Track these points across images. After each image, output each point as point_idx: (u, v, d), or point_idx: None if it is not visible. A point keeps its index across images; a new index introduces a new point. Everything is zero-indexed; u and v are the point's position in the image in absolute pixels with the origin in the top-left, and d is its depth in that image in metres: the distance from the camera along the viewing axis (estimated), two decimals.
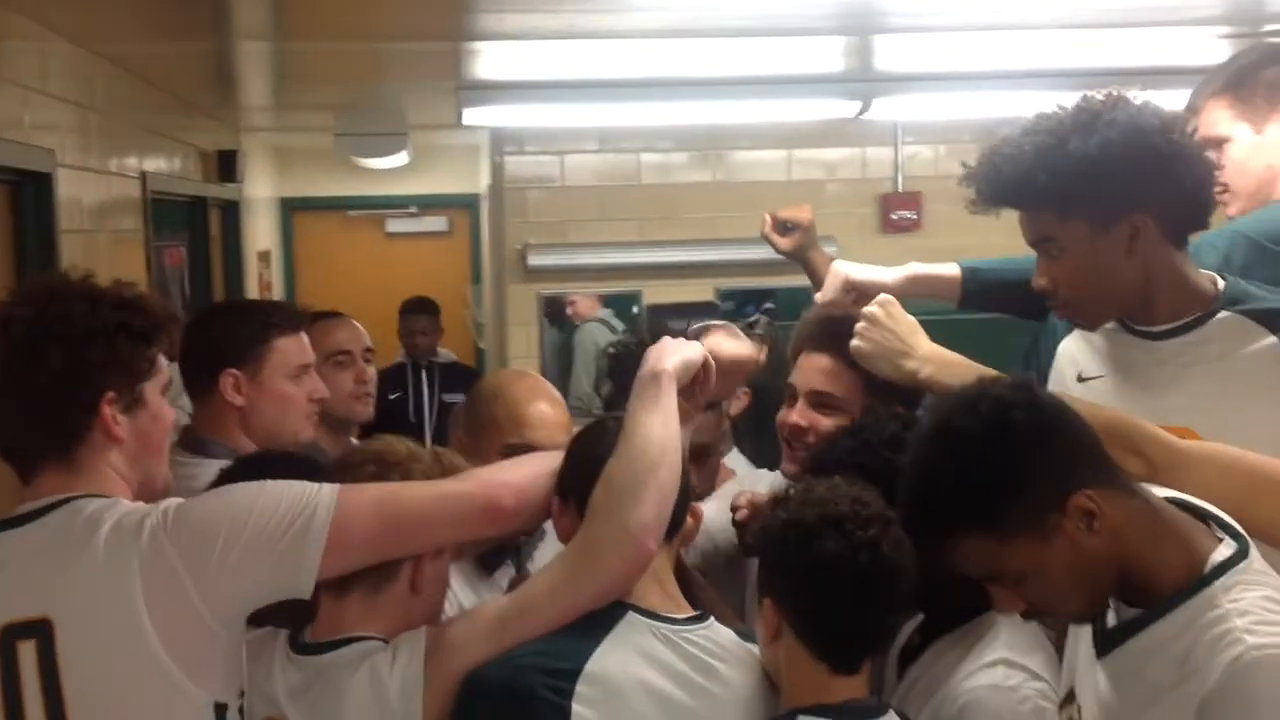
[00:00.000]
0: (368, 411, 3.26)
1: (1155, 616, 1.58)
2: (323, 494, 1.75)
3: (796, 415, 2.32)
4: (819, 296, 2.46)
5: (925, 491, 1.67)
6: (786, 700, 1.78)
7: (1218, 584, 1.55)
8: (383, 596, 1.87)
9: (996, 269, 2.43)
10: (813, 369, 2.33)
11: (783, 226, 2.92)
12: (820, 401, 2.31)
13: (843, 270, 2.43)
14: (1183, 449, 1.73)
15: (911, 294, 2.36)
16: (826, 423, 2.26)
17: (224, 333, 2.72)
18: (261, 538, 1.71)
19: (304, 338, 2.79)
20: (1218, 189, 1.99)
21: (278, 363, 2.70)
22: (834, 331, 2.31)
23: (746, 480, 2.77)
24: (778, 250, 2.93)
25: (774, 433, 2.87)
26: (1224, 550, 1.59)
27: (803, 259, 2.90)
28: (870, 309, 2.18)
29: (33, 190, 3.14)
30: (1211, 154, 1.99)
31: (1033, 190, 1.96)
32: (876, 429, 2.00)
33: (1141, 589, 1.60)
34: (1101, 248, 1.96)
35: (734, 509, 2.27)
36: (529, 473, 1.92)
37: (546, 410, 2.42)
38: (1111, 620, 1.67)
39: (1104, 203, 1.93)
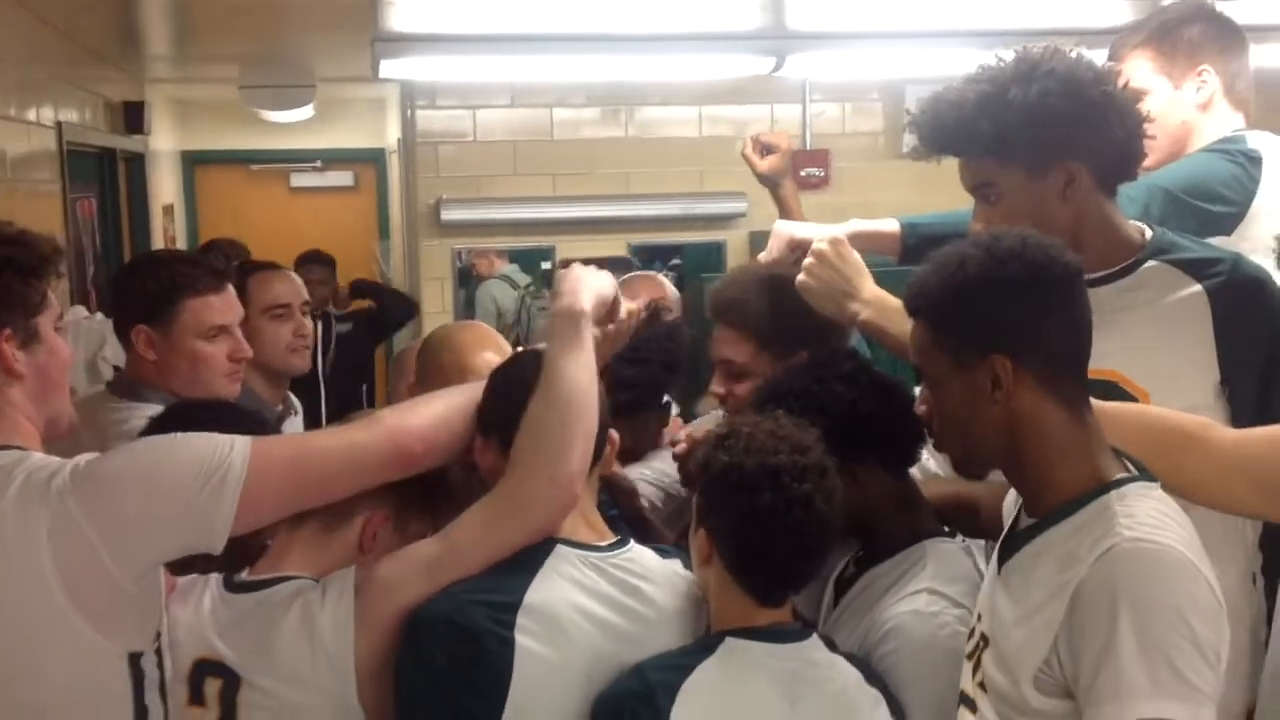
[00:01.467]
0: (304, 364, 3.26)
1: (1049, 524, 1.66)
2: (235, 450, 1.73)
3: (715, 385, 2.44)
4: (763, 256, 2.50)
5: (927, 269, 1.78)
6: (714, 621, 1.87)
7: (1114, 493, 1.62)
8: (332, 541, 1.91)
9: (935, 223, 2.49)
10: (718, 341, 2.45)
11: (764, 149, 2.96)
12: (729, 370, 2.41)
13: (786, 230, 2.47)
14: (1098, 407, 1.78)
15: None
16: (740, 388, 2.35)
17: (136, 288, 2.70)
18: (173, 496, 1.70)
19: (225, 296, 2.75)
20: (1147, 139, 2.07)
21: (188, 322, 2.67)
22: (724, 302, 2.43)
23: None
24: (756, 171, 2.95)
25: (699, 379, 2.94)
26: (1130, 474, 1.68)
27: (774, 184, 2.94)
28: (820, 245, 2.24)
29: None
30: (1142, 107, 2.06)
31: (974, 137, 2.02)
32: (833, 364, 2.07)
33: (1041, 498, 1.69)
34: (1037, 193, 2.02)
35: (673, 443, 2.34)
36: (436, 414, 1.92)
37: (493, 359, 2.44)
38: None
39: (1041, 149, 1.99)
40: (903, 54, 5.37)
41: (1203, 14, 2.68)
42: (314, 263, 6.26)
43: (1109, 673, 1.50)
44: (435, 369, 2.47)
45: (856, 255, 2.25)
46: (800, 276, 2.25)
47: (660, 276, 3.64)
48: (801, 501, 1.78)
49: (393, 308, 6.40)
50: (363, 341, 6.27)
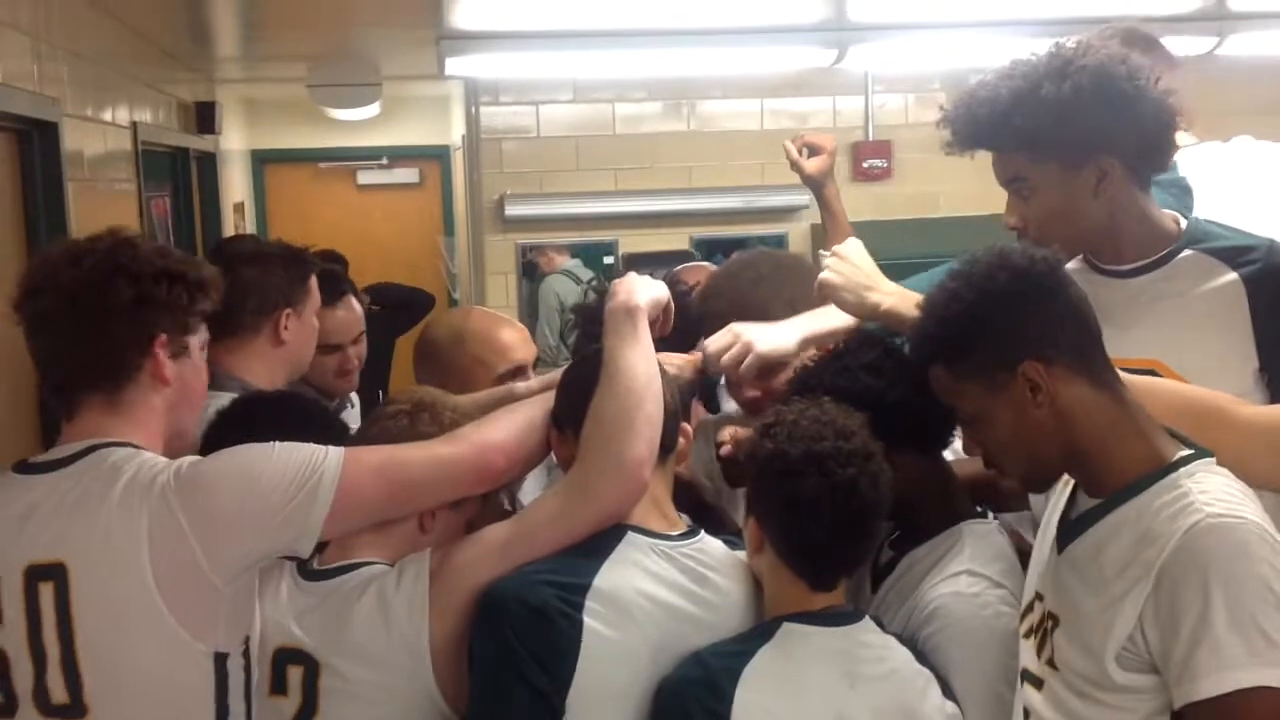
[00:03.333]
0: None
1: (1117, 503, 1.68)
2: (329, 460, 1.80)
3: (748, 389, 2.37)
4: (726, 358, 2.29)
5: (921, 318, 1.82)
6: (769, 607, 1.90)
7: (1181, 471, 1.65)
8: (394, 527, 1.95)
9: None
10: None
11: (809, 150, 2.97)
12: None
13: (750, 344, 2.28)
14: (1129, 380, 1.79)
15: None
16: (777, 382, 2.30)
17: (281, 274, 2.81)
18: (268, 503, 1.76)
19: None
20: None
21: (312, 300, 2.87)
22: None
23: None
24: (802, 173, 2.97)
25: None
26: (1189, 451, 1.70)
27: (819, 185, 2.96)
28: (841, 247, 2.26)
29: (38, 139, 3.17)
30: (1174, 101, 2.04)
31: (1007, 133, 2.02)
32: (858, 353, 2.09)
33: (1104, 480, 1.71)
34: (1071, 189, 2.02)
35: (718, 444, 2.34)
36: (516, 428, 1.98)
37: (514, 332, 2.57)
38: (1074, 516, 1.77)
39: (1074, 145, 2.00)
40: (965, 44, 5.37)
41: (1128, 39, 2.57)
42: (333, 263, 6.12)
43: (1206, 647, 1.53)
44: (467, 364, 2.49)
45: (870, 260, 2.25)
46: (823, 275, 2.25)
47: (712, 266, 3.66)
48: (846, 486, 1.81)
49: (420, 306, 6.25)
50: (381, 334, 6.16)
